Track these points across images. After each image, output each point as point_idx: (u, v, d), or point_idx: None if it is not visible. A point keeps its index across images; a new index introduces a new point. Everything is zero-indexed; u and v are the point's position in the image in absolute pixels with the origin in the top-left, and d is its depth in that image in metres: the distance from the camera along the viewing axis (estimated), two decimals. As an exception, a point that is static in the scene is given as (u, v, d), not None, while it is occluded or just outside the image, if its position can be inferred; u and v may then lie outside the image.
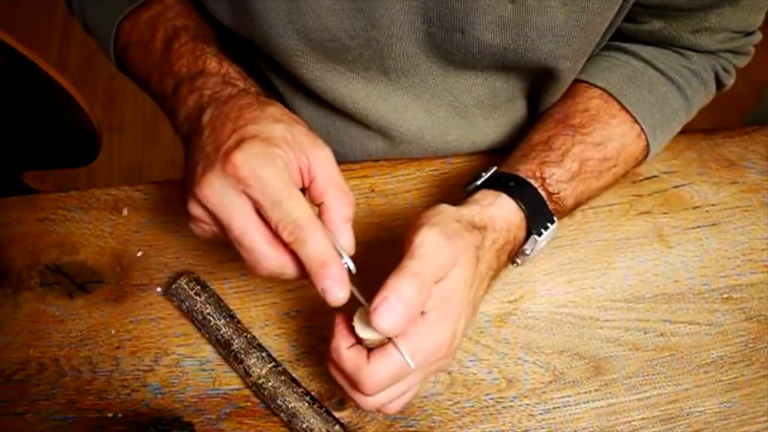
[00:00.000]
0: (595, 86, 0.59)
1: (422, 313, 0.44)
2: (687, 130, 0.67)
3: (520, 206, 0.52)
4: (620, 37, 0.60)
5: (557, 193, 0.55)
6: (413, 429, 0.54)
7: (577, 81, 0.61)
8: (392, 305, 0.42)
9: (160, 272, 0.61)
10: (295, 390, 0.53)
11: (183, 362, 0.57)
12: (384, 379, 0.44)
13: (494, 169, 0.56)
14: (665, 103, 0.60)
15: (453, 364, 0.56)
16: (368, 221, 0.63)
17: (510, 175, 0.54)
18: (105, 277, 0.61)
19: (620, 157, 0.58)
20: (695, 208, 0.63)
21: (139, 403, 0.55)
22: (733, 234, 0.62)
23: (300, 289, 0.60)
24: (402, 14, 0.52)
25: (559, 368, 0.57)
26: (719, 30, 0.58)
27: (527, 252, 0.54)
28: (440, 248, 0.44)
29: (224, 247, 0.61)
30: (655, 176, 0.65)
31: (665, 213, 0.63)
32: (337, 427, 0.52)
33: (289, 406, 0.52)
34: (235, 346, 0.55)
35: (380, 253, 0.61)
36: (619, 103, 0.58)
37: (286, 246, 0.42)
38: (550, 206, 0.54)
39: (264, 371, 0.54)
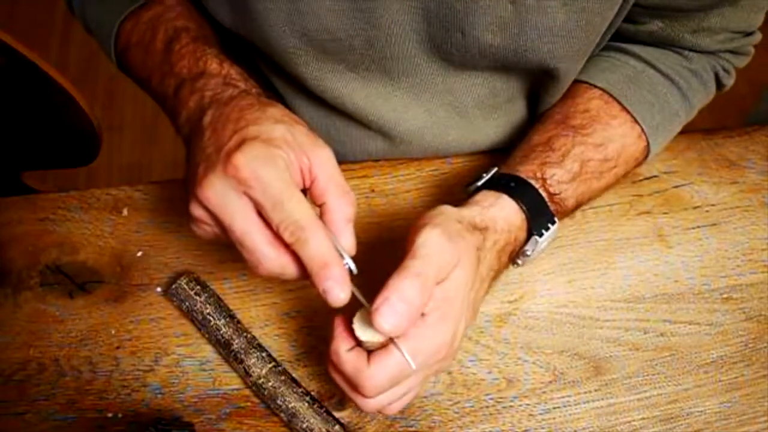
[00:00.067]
0: (596, 87, 0.59)
1: (422, 314, 0.44)
2: (687, 130, 0.67)
3: (521, 207, 0.52)
4: (620, 38, 0.60)
5: (558, 194, 0.55)
6: (413, 429, 0.54)
7: (577, 81, 0.61)
8: (394, 305, 0.42)
9: (160, 272, 0.61)
10: (295, 390, 0.53)
11: (183, 362, 0.57)
12: (384, 381, 0.44)
13: (495, 169, 0.56)
14: (665, 103, 0.60)
15: (453, 364, 0.56)
16: (368, 221, 0.63)
17: (511, 176, 0.54)
18: (105, 277, 0.61)
19: (621, 157, 0.58)
20: (695, 208, 0.63)
21: (139, 403, 0.55)
22: (733, 234, 0.62)
23: (300, 289, 0.60)
24: (402, 15, 0.52)
25: (559, 368, 0.57)
26: (719, 30, 0.58)
27: (528, 253, 0.54)
28: (442, 249, 0.45)
29: (224, 248, 0.61)
30: (655, 176, 0.65)
31: (665, 213, 0.63)
32: (337, 427, 0.52)
33: (289, 406, 0.52)
34: (235, 346, 0.55)
35: (381, 253, 0.61)
36: (620, 103, 0.58)
37: (287, 247, 0.43)
38: (551, 207, 0.54)
39: (264, 371, 0.54)
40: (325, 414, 0.53)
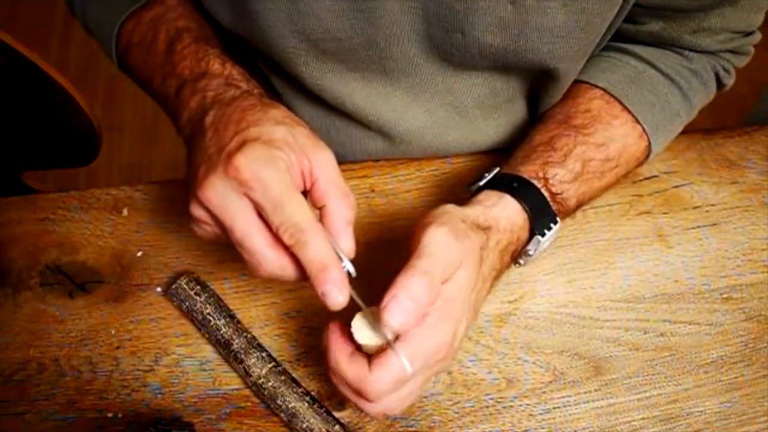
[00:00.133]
0: (597, 87, 0.59)
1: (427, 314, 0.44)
2: (687, 130, 0.67)
3: (523, 207, 0.52)
4: (620, 38, 0.61)
5: (560, 194, 0.55)
6: (413, 429, 0.54)
7: (577, 82, 0.61)
8: (402, 303, 0.42)
9: (160, 272, 0.61)
10: (295, 390, 0.53)
11: (183, 362, 0.57)
12: (387, 386, 0.44)
13: (497, 169, 0.56)
14: (666, 103, 0.60)
15: (453, 364, 0.57)
16: (368, 221, 0.63)
17: (513, 176, 0.54)
18: (105, 277, 0.61)
19: (622, 157, 0.58)
20: (695, 208, 0.63)
21: (139, 403, 0.55)
22: (733, 234, 0.62)
23: (300, 290, 0.60)
24: (402, 15, 0.52)
25: (559, 368, 0.57)
26: (719, 30, 0.58)
27: (530, 252, 0.54)
28: (449, 247, 0.45)
29: (224, 248, 0.61)
30: (655, 176, 0.65)
31: (665, 213, 0.63)
32: (337, 427, 0.52)
33: (289, 406, 0.52)
34: (235, 346, 0.55)
35: (381, 253, 0.61)
36: (621, 103, 0.58)
37: (287, 249, 0.43)
38: (554, 207, 0.54)
39: (264, 371, 0.54)
40: (325, 414, 0.53)
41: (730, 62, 0.62)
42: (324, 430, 0.52)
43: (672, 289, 0.60)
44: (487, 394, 0.56)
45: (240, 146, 0.43)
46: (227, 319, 0.56)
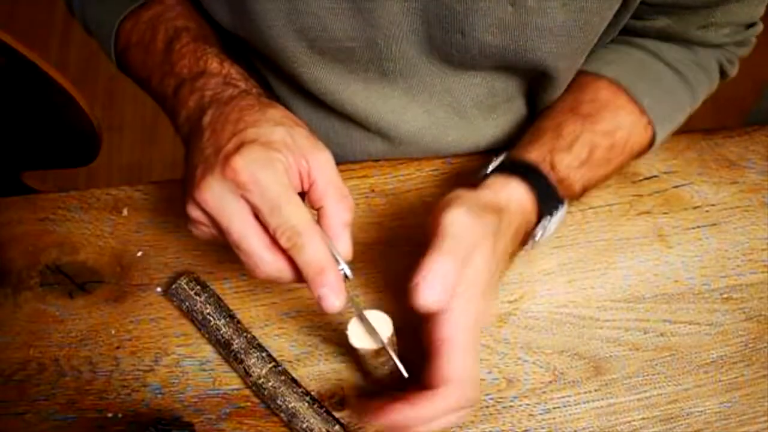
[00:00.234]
0: (604, 77, 0.60)
1: (449, 303, 0.45)
2: (687, 130, 0.67)
3: (530, 190, 0.52)
4: (628, 33, 0.61)
5: (566, 179, 0.55)
6: (413, 429, 0.54)
7: (585, 72, 0.61)
8: (431, 282, 0.44)
9: (160, 272, 0.61)
10: (295, 390, 0.53)
11: (183, 362, 0.57)
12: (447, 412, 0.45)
13: (504, 155, 0.57)
14: (672, 95, 0.60)
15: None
16: (368, 221, 0.63)
17: (520, 161, 0.55)
18: (105, 277, 0.61)
19: (627, 145, 0.59)
20: (695, 208, 0.63)
21: (139, 403, 0.55)
22: (733, 234, 0.62)
23: (300, 290, 0.60)
24: (401, 16, 0.52)
25: (559, 368, 0.57)
26: (724, 25, 0.58)
27: (537, 236, 0.55)
28: (469, 227, 0.46)
29: (224, 248, 0.61)
30: (655, 176, 0.65)
31: (665, 213, 0.63)
32: (337, 427, 0.52)
33: (289, 406, 0.52)
34: (235, 346, 0.55)
35: (380, 253, 0.61)
36: (627, 94, 0.59)
37: (284, 251, 0.43)
38: (560, 191, 0.54)
39: (264, 371, 0.54)
40: (325, 414, 0.53)
41: (734, 53, 0.63)
42: (324, 430, 0.52)
43: (672, 289, 0.60)
44: (487, 394, 0.56)
45: (238, 148, 0.43)
46: (227, 319, 0.56)
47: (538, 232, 0.55)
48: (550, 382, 0.56)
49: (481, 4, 0.49)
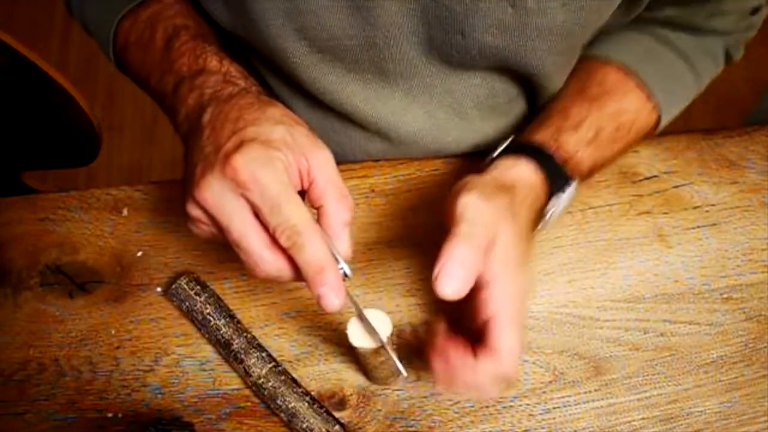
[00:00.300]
0: (612, 62, 0.60)
1: (487, 283, 0.45)
2: (687, 130, 0.67)
3: (539, 169, 0.53)
4: (635, 19, 0.61)
5: (573, 158, 0.55)
6: (413, 429, 0.54)
7: (593, 57, 0.61)
8: (451, 271, 0.43)
9: (160, 272, 0.61)
10: (295, 390, 0.53)
11: (183, 362, 0.57)
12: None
13: (511, 138, 0.57)
14: (679, 80, 0.61)
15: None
16: (368, 221, 0.63)
17: (527, 142, 0.55)
18: (105, 277, 0.61)
19: (633, 127, 0.59)
20: (695, 208, 0.63)
21: (139, 403, 0.55)
22: (733, 234, 0.62)
23: (300, 289, 0.60)
24: (401, 17, 0.52)
25: (559, 368, 0.57)
26: (731, 12, 0.59)
27: (548, 214, 0.55)
28: (483, 210, 0.46)
29: (224, 247, 0.60)
30: (655, 176, 0.65)
31: (665, 213, 0.63)
32: (337, 427, 0.52)
33: (289, 406, 0.52)
34: (235, 346, 0.55)
35: (380, 253, 0.61)
36: (635, 79, 0.59)
37: (284, 250, 0.43)
38: (567, 170, 0.54)
39: (264, 371, 0.54)
40: (325, 414, 0.53)
41: (739, 38, 0.63)
42: (324, 430, 0.52)
43: (672, 289, 0.60)
44: (487, 394, 0.56)
45: (237, 146, 0.43)
46: (227, 319, 0.56)
47: (549, 210, 0.55)
48: (550, 382, 0.56)
49: (481, 5, 0.49)
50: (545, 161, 0.53)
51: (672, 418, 0.55)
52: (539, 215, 0.54)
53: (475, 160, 0.66)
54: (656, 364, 0.57)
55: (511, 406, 0.55)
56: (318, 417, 0.52)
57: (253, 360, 0.54)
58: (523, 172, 0.52)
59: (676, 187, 0.64)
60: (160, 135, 1.70)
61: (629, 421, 0.55)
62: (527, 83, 0.61)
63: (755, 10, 0.60)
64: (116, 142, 1.68)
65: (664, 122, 0.61)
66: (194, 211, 0.44)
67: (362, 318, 0.46)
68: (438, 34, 0.53)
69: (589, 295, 0.60)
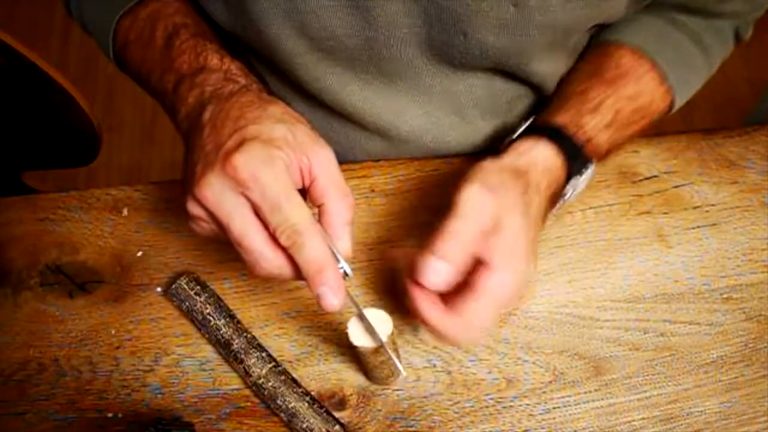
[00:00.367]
0: (626, 45, 0.60)
1: (490, 265, 0.46)
2: (687, 130, 0.67)
3: (558, 151, 0.53)
4: (648, 5, 0.61)
5: (593, 139, 0.55)
6: (413, 429, 0.54)
7: (607, 41, 0.61)
8: (434, 266, 0.45)
9: (160, 272, 0.61)
10: (295, 390, 0.53)
11: (183, 362, 0.57)
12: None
13: (531, 120, 0.57)
14: (691, 62, 0.61)
15: (453, 364, 0.57)
16: (368, 221, 0.63)
17: (547, 123, 0.55)
18: (105, 277, 0.61)
19: (649, 110, 0.59)
20: (695, 208, 0.63)
21: (139, 403, 0.55)
22: (733, 234, 0.62)
23: (300, 289, 0.60)
24: (401, 17, 0.52)
25: (559, 368, 0.57)
26: None
27: (567, 195, 0.55)
28: (482, 201, 0.47)
29: (224, 247, 0.61)
30: (655, 176, 0.65)
31: (665, 213, 0.63)
32: (337, 427, 0.52)
33: (289, 406, 0.52)
34: (235, 346, 0.55)
35: (380, 253, 0.61)
36: (649, 61, 0.59)
37: (284, 249, 0.43)
38: (587, 152, 0.55)
39: (264, 371, 0.54)
40: (325, 414, 0.53)
41: (748, 19, 0.63)
42: (324, 430, 0.52)
43: (672, 289, 0.60)
44: (487, 394, 0.56)
45: (238, 145, 0.43)
46: (227, 319, 0.56)
47: (568, 191, 0.55)
48: (550, 382, 0.56)
49: (483, 5, 0.49)
50: (565, 143, 0.54)
51: (672, 418, 0.55)
52: (557, 196, 0.55)
53: (475, 160, 0.66)
54: (656, 364, 0.57)
55: (511, 406, 0.55)
56: (318, 417, 0.52)
57: (253, 360, 0.54)
58: (542, 154, 0.52)
59: (676, 187, 0.64)
60: (159, 135, 1.70)
61: (629, 421, 0.55)
62: (527, 83, 0.61)
63: None
64: (116, 142, 1.68)
65: (677, 105, 0.61)
66: (194, 209, 0.44)
67: (363, 317, 0.46)
68: (439, 35, 0.53)
69: (589, 295, 0.60)
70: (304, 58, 0.56)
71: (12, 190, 0.83)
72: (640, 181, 0.65)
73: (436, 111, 0.62)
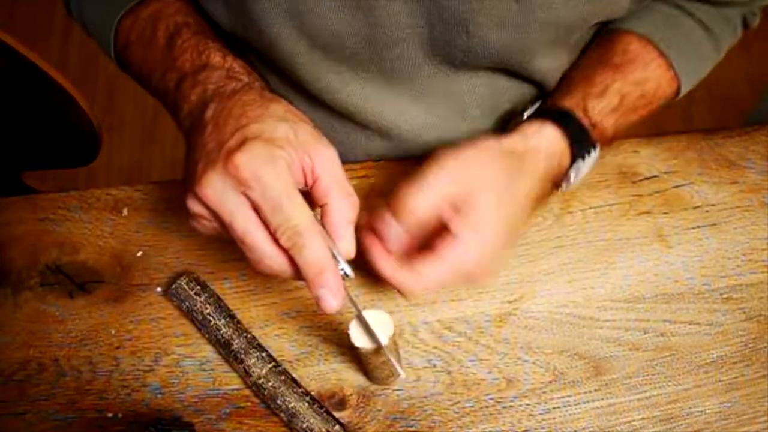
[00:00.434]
0: (633, 32, 0.60)
1: (456, 234, 0.48)
2: (687, 130, 0.67)
3: (564, 134, 0.53)
4: None
5: (599, 123, 0.56)
6: (413, 429, 0.54)
7: (614, 28, 0.61)
8: (388, 222, 0.49)
9: (160, 272, 0.61)
10: (295, 390, 0.53)
11: (183, 362, 0.57)
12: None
13: (539, 103, 0.58)
14: (699, 50, 0.61)
15: (453, 364, 0.57)
16: (368, 221, 0.63)
17: (554, 107, 0.56)
18: (105, 277, 0.61)
19: (656, 96, 0.60)
20: (695, 208, 0.63)
21: (139, 403, 0.55)
22: (733, 234, 0.62)
23: (300, 289, 0.60)
24: (403, 16, 0.52)
25: (559, 368, 0.57)
26: None
27: (571, 178, 0.56)
28: (451, 172, 0.49)
29: (224, 247, 0.61)
30: (655, 176, 0.65)
31: (665, 213, 0.63)
32: (337, 427, 0.52)
33: (289, 406, 0.52)
34: (235, 346, 0.55)
35: (380, 253, 0.61)
36: (657, 49, 0.59)
37: (284, 249, 0.43)
38: (593, 135, 0.55)
39: (264, 371, 0.54)
40: (325, 414, 0.53)
41: (755, 7, 0.63)
42: (324, 430, 0.52)
43: (672, 289, 0.60)
44: (487, 394, 0.56)
45: (240, 144, 0.43)
46: (227, 319, 0.56)
47: (572, 174, 0.56)
48: (550, 382, 0.56)
49: (485, 2, 0.49)
50: (571, 127, 0.54)
51: (672, 418, 0.55)
52: (559, 180, 0.56)
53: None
54: (656, 364, 0.57)
55: (511, 406, 0.55)
56: (318, 417, 0.52)
57: (253, 360, 0.54)
58: (547, 138, 0.53)
59: (676, 187, 0.64)
60: (160, 135, 1.70)
61: (629, 421, 0.55)
62: (529, 81, 0.61)
63: None
64: (116, 142, 1.68)
65: (683, 91, 0.61)
66: (195, 206, 0.44)
67: (364, 318, 0.46)
68: (441, 34, 0.53)
69: (589, 295, 0.60)
70: (304, 57, 0.56)
71: (12, 190, 0.83)
72: (640, 181, 0.65)
73: (437, 110, 0.62)
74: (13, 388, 0.56)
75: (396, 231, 0.49)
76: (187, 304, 0.56)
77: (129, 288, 0.60)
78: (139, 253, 0.62)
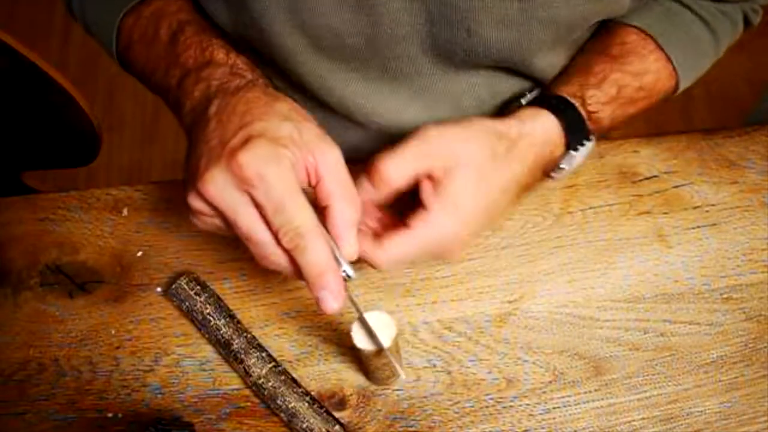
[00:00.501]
0: (633, 26, 0.60)
1: (427, 208, 0.47)
2: (687, 130, 0.67)
3: (559, 122, 0.53)
4: None
5: (596, 113, 0.56)
6: (413, 429, 0.54)
7: (612, 21, 0.61)
8: (363, 185, 0.49)
9: (160, 272, 0.61)
10: (295, 390, 0.53)
11: (183, 362, 0.57)
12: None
13: (537, 90, 0.58)
14: (698, 44, 0.61)
15: (453, 364, 0.57)
16: (368, 221, 0.63)
17: (552, 95, 0.55)
18: (105, 277, 0.61)
19: (654, 89, 0.60)
20: (695, 208, 0.63)
21: (139, 403, 0.55)
22: (733, 234, 0.62)
23: (300, 289, 0.60)
24: (404, 15, 0.52)
25: (559, 368, 0.57)
26: None
27: (563, 167, 0.56)
28: (430, 148, 0.48)
29: (224, 247, 0.61)
30: (655, 176, 0.65)
31: (665, 213, 0.63)
32: (337, 427, 0.52)
33: (289, 406, 0.52)
34: (235, 346, 0.55)
35: (380, 253, 0.61)
36: (655, 42, 0.59)
37: (286, 249, 0.43)
38: (589, 124, 0.55)
39: (264, 371, 0.54)
40: (325, 414, 0.53)
41: (755, 4, 0.63)
42: (324, 430, 0.52)
43: (672, 289, 0.60)
44: (487, 394, 0.56)
45: (244, 142, 0.42)
46: (227, 319, 0.56)
47: (565, 163, 0.55)
48: (550, 382, 0.56)
49: (486, 1, 0.49)
50: (567, 115, 0.54)
51: (672, 418, 0.55)
52: (552, 168, 0.56)
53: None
54: (656, 364, 0.57)
55: (511, 406, 0.55)
56: (318, 417, 0.52)
57: (253, 360, 0.54)
58: (542, 125, 0.53)
59: (676, 187, 0.64)
60: (160, 135, 1.70)
61: (629, 421, 0.55)
62: (529, 79, 0.61)
63: None
64: (116, 142, 1.68)
65: (682, 87, 0.61)
66: (196, 203, 0.44)
67: (366, 320, 0.46)
68: (442, 33, 0.53)
69: (589, 295, 0.60)
70: (305, 56, 0.56)
71: (12, 190, 0.83)
72: (640, 181, 0.65)
73: (437, 109, 0.62)
74: (13, 388, 0.56)
75: (370, 197, 0.48)
76: (187, 304, 0.56)
77: (129, 288, 0.60)
78: (139, 253, 0.62)
